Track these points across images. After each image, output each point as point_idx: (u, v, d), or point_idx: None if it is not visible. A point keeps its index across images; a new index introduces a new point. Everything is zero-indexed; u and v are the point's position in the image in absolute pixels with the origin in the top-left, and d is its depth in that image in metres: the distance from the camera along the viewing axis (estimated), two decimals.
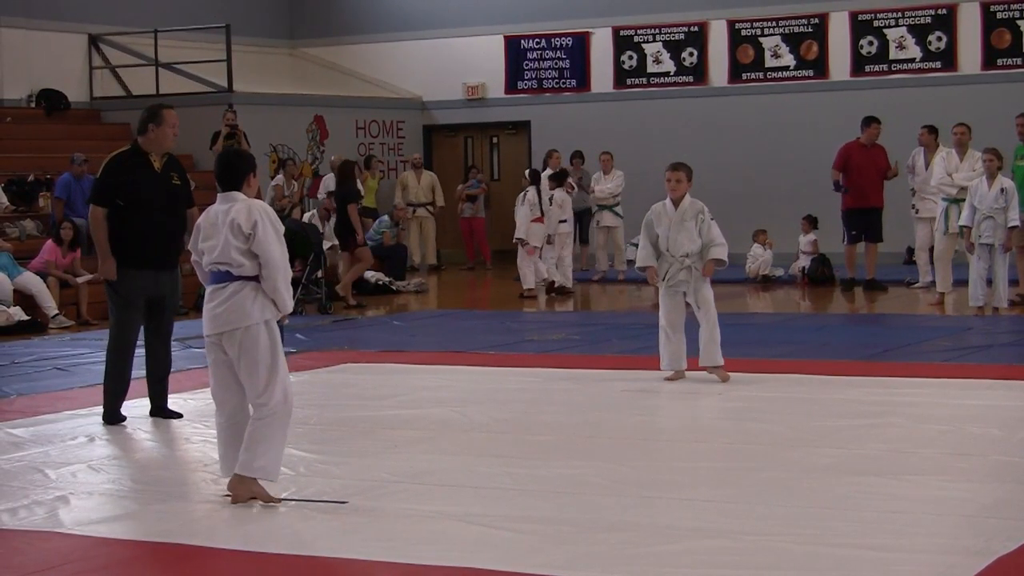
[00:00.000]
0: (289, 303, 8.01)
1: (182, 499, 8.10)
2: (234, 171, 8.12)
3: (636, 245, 25.12)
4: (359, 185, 22.13)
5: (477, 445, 9.47)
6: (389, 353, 14.52)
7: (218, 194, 8.15)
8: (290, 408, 7.95)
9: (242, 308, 7.87)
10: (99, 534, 7.34)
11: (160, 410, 10.95)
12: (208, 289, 8.05)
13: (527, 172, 22.53)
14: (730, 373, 11.89)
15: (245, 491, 7.85)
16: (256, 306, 7.89)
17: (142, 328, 10.93)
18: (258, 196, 8.37)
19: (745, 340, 14.81)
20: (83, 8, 25.49)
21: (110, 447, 9.67)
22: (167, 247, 10.78)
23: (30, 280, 18.26)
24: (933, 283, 18.91)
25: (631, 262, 24.26)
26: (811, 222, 22.13)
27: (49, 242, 19.04)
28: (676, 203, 11.74)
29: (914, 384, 11.53)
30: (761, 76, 25.93)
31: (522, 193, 21.39)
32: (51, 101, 24.71)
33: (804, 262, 21.89)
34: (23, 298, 18.05)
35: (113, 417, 10.71)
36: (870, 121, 20.48)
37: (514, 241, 21.20)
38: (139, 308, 10.78)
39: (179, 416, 10.86)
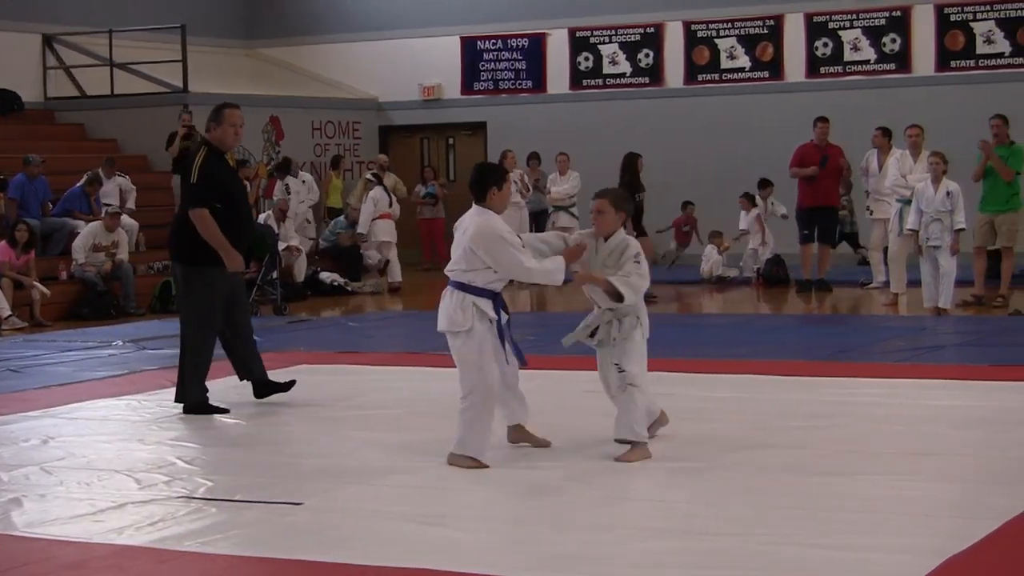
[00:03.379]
0: None
1: (135, 500, 8.06)
2: None
3: None
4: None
5: (435, 446, 9.45)
6: (345, 354, 14.50)
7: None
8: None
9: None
10: (53, 536, 7.29)
11: (268, 386, 11.20)
12: None
13: (370, 173, 23.53)
14: (687, 373, 11.90)
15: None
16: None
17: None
18: None
19: (700, 341, 14.86)
20: (37, 7, 25.34)
21: (63, 449, 9.61)
22: (250, 238, 11.21)
23: None
24: (887, 283, 19.01)
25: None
26: (750, 199, 22.28)
27: (3, 243, 18.92)
28: (605, 238, 9.11)
29: (869, 384, 11.58)
30: (717, 77, 26.00)
31: (366, 192, 22.00)
32: (5, 101, 24.56)
33: (755, 243, 22.01)
34: None
35: (211, 408, 10.84)
36: (817, 121, 20.56)
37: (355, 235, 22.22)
38: (224, 302, 10.92)
39: (289, 386, 11.10)
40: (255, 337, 11.47)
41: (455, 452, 8.71)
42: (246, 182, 23.19)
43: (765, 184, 22.34)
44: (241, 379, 11.23)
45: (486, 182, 8.79)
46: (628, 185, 19.65)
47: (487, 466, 8.62)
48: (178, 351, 11.18)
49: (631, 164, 19.88)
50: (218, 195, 10.73)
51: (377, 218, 22.53)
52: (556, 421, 10.23)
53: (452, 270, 8.82)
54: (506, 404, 9.09)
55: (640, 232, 19.65)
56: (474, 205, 8.84)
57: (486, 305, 8.69)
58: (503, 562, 6.63)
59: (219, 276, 10.80)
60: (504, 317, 8.81)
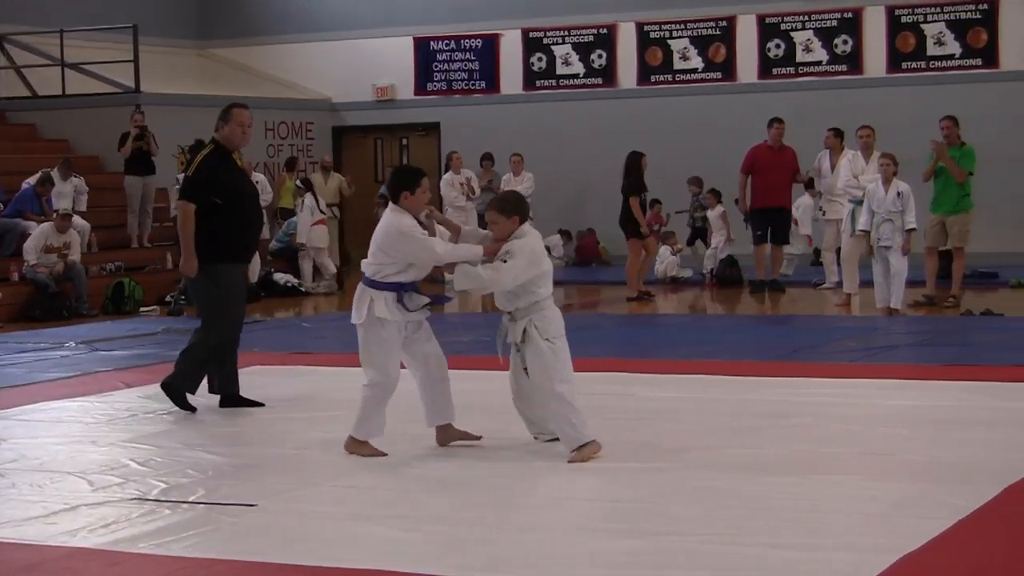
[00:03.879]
0: None
1: (89, 502, 8.02)
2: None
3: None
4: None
5: (387, 447, 9.44)
6: (297, 355, 14.47)
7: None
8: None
9: None
10: (4, 539, 7.26)
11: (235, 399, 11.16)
12: None
13: (299, 180, 23.64)
14: (641, 374, 11.93)
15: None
16: None
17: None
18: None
19: (654, 341, 14.90)
20: None
21: (15, 451, 9.56)
22: (256, 240, 11.24)
23: None
24: (840, 284, 19.09)
25: None
26: (716, 195, 22.40)
27: None
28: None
29: (822, 384, 11.61)
30: (670, 78, 26.09)
31: (300, 200, 22.35)
32: None
33: (718, 241, 22.09)
34: None
35: (181, 398, 10.84)
36: (773, 122, 20.65)
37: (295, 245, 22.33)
38: (242, 300, 11.08)
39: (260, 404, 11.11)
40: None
41: (353, 436, 9.13)
42: None
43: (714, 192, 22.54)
44: (211, 390, 11.22)
45: (399, 185, 9.07)
46: (633, 184, 19.69)
47: (385, 454, 9.01)
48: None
49: (635, 163, 19.88)
50: (219, 193, 10.77)
51: (314, 224, 22.51)
52: (504, 421, 10.24)
53: (364, 266, 9.18)
54: (432, 404, 9.31)
55: (645, 234, 19.70)
56: (389, 205, 9.15)
57: (389, 298, 8.95)
58: (456, 563, 6.62)
59: (232, 273, 10.92)
60: (418, 310, 9.11)
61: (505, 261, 8.81)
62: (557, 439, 9.00)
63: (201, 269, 10.78)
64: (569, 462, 8.72)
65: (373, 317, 8.95)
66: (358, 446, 9.09)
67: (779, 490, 7.89)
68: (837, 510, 7.46)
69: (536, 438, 9.29)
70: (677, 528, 7.11)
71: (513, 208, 9.04)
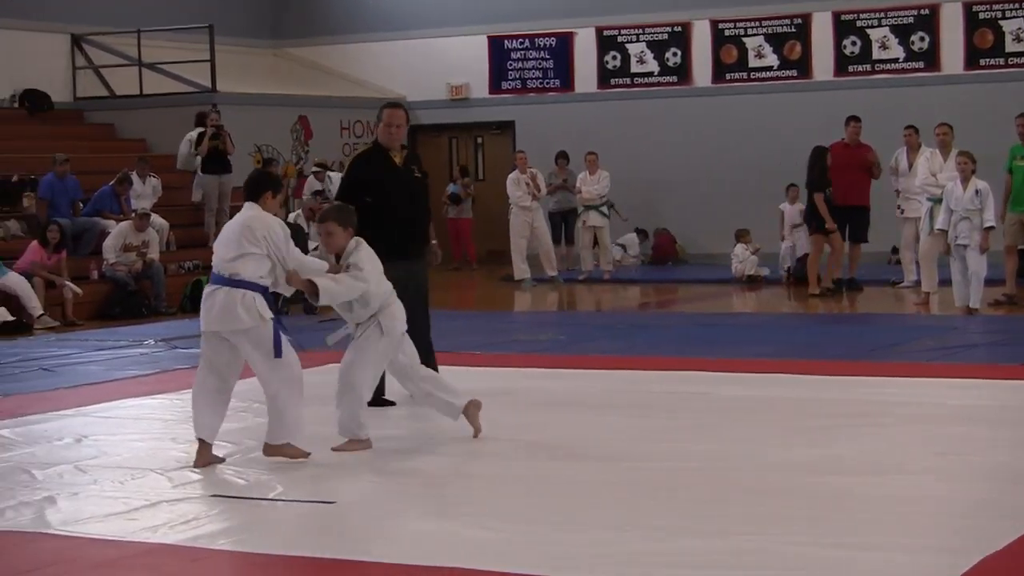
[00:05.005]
0: None
1: (169, 499, 8.08)
2: None
3: (622, 245, 25.39)
4: None
5: (464, 444, 9.47)
6: None
7: None
8: None
9: None
10: (86, 534, 7.32)
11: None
12: None
13: (315, 164, 23.92)
14: (712, 373, 11.91)
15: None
16: None
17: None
18: None
19: (729, 340, 14.85)
20: (66, 8, 25.42)
21: (96, 447, 9.65)
22: (413, 238, 11.16)
23: (15, 281, 18.23)
24: (918, 282, 18.95)
25: (617, 262, 24.42)
26: (794, 191, 22.28)
27: (34, 243, 19.00)
28: (337, 255, 9.30)
29: (899, 384, 11.53)
30: (744, 76, 25.97)
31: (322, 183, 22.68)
32: (34, 101, 24.65)
33: (791, 243, 21.96)
34: (8, 299, 18.03)
35: (377, 401, 10.84)
36: (849, 120, 20.53)
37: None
38: (405, 297, 10.94)
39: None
40: None
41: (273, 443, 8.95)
42: None
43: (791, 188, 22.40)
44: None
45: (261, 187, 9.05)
46: (816, 180, 19.57)
47: (308, 453, 8.92)
48: None
49: (820, 158, 19.73)
50: (369, 191, 10.94)
51: None
52: (580, 418, 10.25)
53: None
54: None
55: (830, 230, 19.45)
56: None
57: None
58: (529, 560, 6.61)
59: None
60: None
61: (354, 270, 9.10)
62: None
63: None
64: (333, 449, 9.15)
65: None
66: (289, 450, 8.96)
67: (855, 490, 7.83)
68: (914, 511, 7.41)
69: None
70: (751, 528, 7.07)
71: (349, 220, 9.30)
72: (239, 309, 8.67)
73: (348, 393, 9.22)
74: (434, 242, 11.72)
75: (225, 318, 8.72)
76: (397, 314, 9.32)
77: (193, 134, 23.06)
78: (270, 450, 8.91)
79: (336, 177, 23.24)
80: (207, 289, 8.89)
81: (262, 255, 8.76)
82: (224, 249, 8.84)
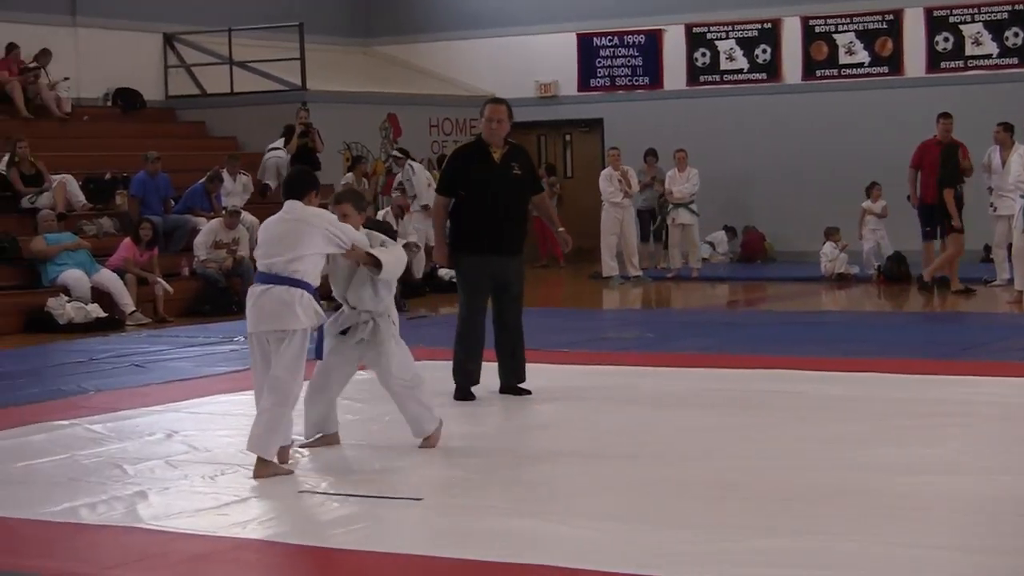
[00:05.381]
0: None
1: (259, 494, 8.14)
2: None
3: (710, 243, 25.31)
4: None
5: (551, 442, 9.46)
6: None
7: None
8: None
9: None
10: (177, 529, 7.37)
11: (508, 387, 11.30)
12: None
13: (395, 150, 23.97)
14: (801, 372, 11.83)
15: None
16: None
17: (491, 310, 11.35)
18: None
19: (820, 338, 14.74)
20: (158, 7, 25.66)
21: (186, 443, 9.72)
22: (506, 234, 11.16)
23: (107, 277, 18.42)
24: (1011, 281, 18.74)
25: (705, 259, 24.34)
26: (877, 190, 22.14)
27: (127, 240, 19.18)
28: None
29: (989, 383, 11.40)
30: (835, 73, 25.80)
31: (401, 168, 22.76)
32: (127, 100, 24.91)
33: (872, 242, 21.81)
34: (100, 295, 18.22)
35: (464, 394, 11.14)
36: (940, 116, 20.35)
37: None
38: (485, 292, 11.21)
39: (527, 393, 11.23)
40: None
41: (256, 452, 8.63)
42: (363, 179, 23.46)
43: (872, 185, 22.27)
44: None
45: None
46: (949, 176, 19.42)
47: (291, 472, 8.64)
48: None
49: (953, 154, 19.56)
50: (464, 185, 11.08)
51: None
52: (668, 416, 10.21)
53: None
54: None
55: (955, 228, 19.27)
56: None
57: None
58: (612, 559, 6.58)
59: (469, 265, 11.16)
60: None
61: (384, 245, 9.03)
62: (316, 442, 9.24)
63: (454, 258, 11.25)
64: (420, 446, 9.15)
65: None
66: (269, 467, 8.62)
67: (944, 490, 7.76)
68: (997, 511, 7.31)
69: (295, 442, 9.15)
70: (825, 527, 7.01)
71: (364, 206, 9.28)
72: (298, 309, 8.57)
73: (417, 387, 9.19)
74: (561, 229, 11.78)
75: (282, 317, 8.58)
76: (394, 316, 9.25)
77: (279, 144, 23.03)
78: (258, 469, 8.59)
79: (418, 167, 23.33)
80: (258, 288, 8.74)
81: (319, 255, 8.69)
82: (279, 248, 8.68)
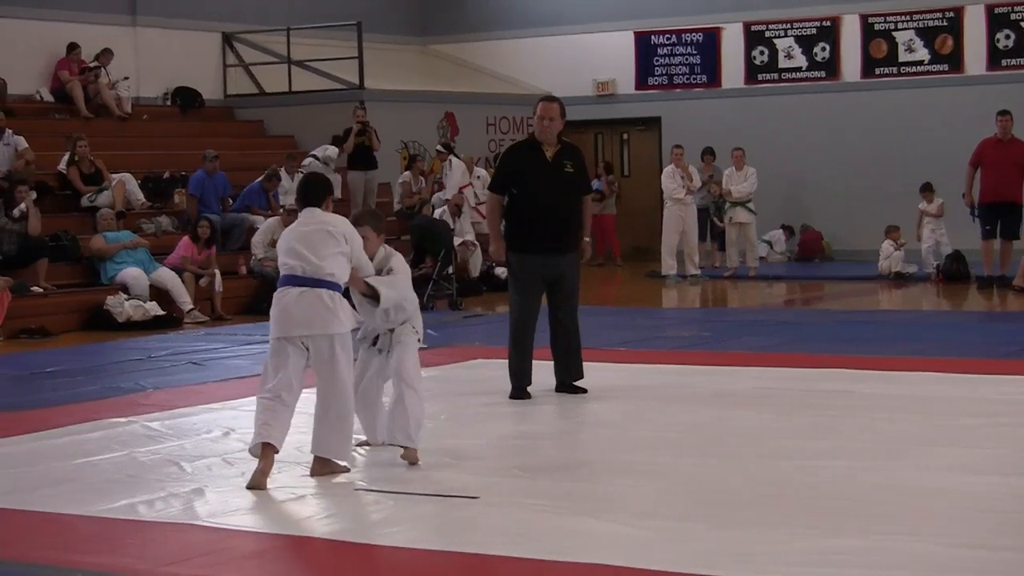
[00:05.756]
0: None
1: (314, 492, 8.15)
2: None
3: (768, 242, 25.22)
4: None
5: (608, 440, 9.44)
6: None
7: None
8: None
9: None
10: (234, 526, 7.40)
11: (564, 386, 11.29)
12: None
13: (440, 144, 24.18)
14: (859, 371, 11.77)
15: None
16: None
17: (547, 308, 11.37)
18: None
19: (877, 337, 14.67)
20: (218, 7, 25.80)
21: (243, 441, 9.73)
22: (558, 232, 11.13)
23: (166, 275, 18.52)
24: None
25: (763, 258, 24.25)
26: (930, 190, 22.04)
27: (185, 238, 19.28)
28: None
29: None
30: (895, 71, 25.66)
31: (445, 163, 22.94)
32: (186, 99, 25.05)
33: (931, 241, 21.70)
34: (158, 293, 18.32)
35: (519, 393, 11.12)
36: (1000, 114, 20.20)
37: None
38: (536, 290, 11.22)
39: (584, 391, 11.21)
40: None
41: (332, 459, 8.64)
42: (420, 177, 23.51)
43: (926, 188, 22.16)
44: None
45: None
46: None
47: (348, 469, 8.61)
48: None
49: None
50: (516, 183, 11.11)
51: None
52: (722, 416, 10.18)
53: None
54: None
55: None
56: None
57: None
58: (670, 558, 6.56)
59: (520, 263, 11.17)
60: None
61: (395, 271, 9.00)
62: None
63: (508, 255, 11.25)
64: (401, 456, 8.78)
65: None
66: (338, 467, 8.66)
67: (1004, 491, 7.70)
68: None
69: (360, 445, 9.17)
70: (888, 527, 6.97)
71: (382, 226, 9.18)
72: (340, 313, 8.54)
73: (420, 398, 8.91)
74: (587, 239, 11.63)
75: (323, 320, 8.50)
76: (419, 316, 9.21)
77: (318, 152, 23.02)
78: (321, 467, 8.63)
79: (456, 163, 23.36)
80: (291, 292, 8.62)
81: (346, 257, 8.64)
82: (312, 250, 8.59)
